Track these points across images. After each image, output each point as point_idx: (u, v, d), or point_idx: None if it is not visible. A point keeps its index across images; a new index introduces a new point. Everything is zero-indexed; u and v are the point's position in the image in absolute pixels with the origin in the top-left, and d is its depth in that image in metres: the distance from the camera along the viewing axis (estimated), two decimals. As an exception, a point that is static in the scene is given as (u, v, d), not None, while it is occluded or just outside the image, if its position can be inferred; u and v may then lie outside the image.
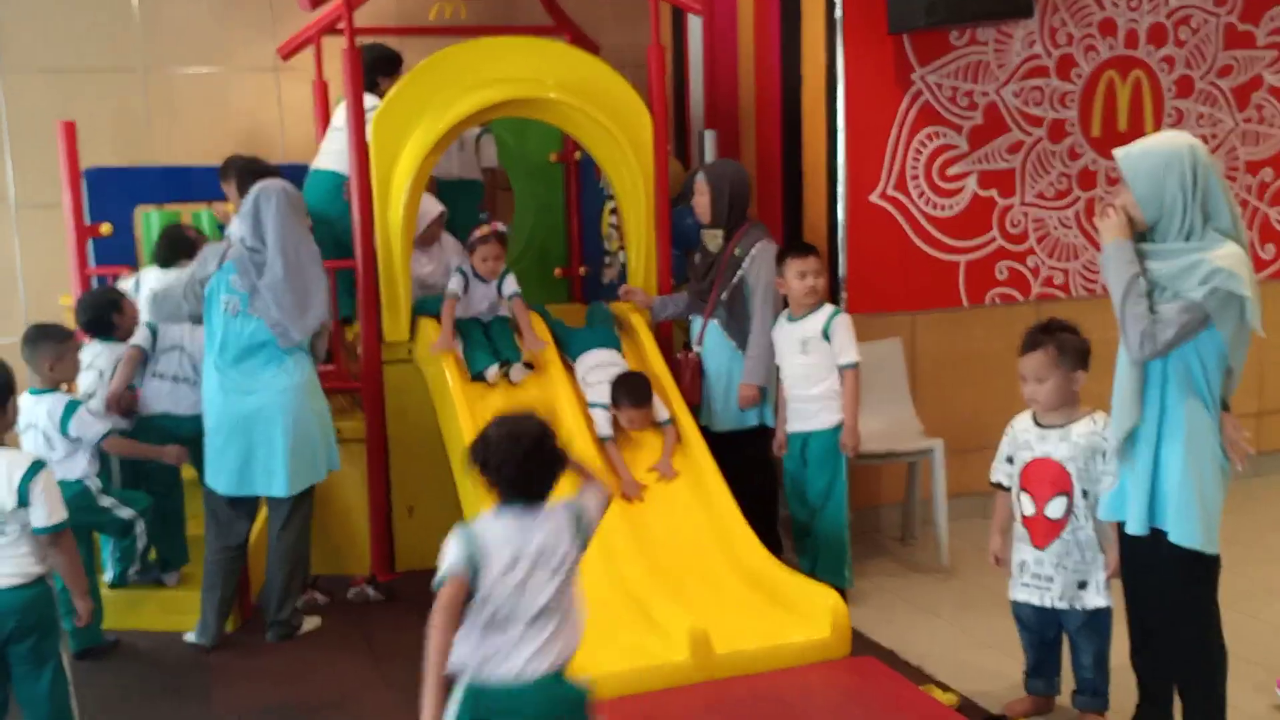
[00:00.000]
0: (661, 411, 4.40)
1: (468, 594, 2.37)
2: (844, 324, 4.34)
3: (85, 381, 4.36)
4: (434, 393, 4.53)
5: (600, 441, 4.30)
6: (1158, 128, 5.38)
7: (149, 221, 5.19)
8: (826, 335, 4.32)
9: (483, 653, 2.38)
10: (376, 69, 5.18)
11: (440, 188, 5.38)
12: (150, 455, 4.26)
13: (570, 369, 4.61)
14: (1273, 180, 5.68)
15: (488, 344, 4.58)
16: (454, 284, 4.61)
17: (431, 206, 5.01)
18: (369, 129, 4.59)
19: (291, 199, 4.15)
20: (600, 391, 4.40)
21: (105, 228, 4.96)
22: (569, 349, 4.68)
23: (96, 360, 4.39)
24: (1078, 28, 5.24)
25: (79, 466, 4.07)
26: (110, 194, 5.10)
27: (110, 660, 4.08)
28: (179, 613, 4.27)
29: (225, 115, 5.89)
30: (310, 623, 4.27)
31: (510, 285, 4.70)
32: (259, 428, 4.04)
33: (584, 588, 3.77)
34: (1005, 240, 5.25)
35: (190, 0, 5.84)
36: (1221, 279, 2.83)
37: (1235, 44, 5.52)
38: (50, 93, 5.64)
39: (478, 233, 4.68)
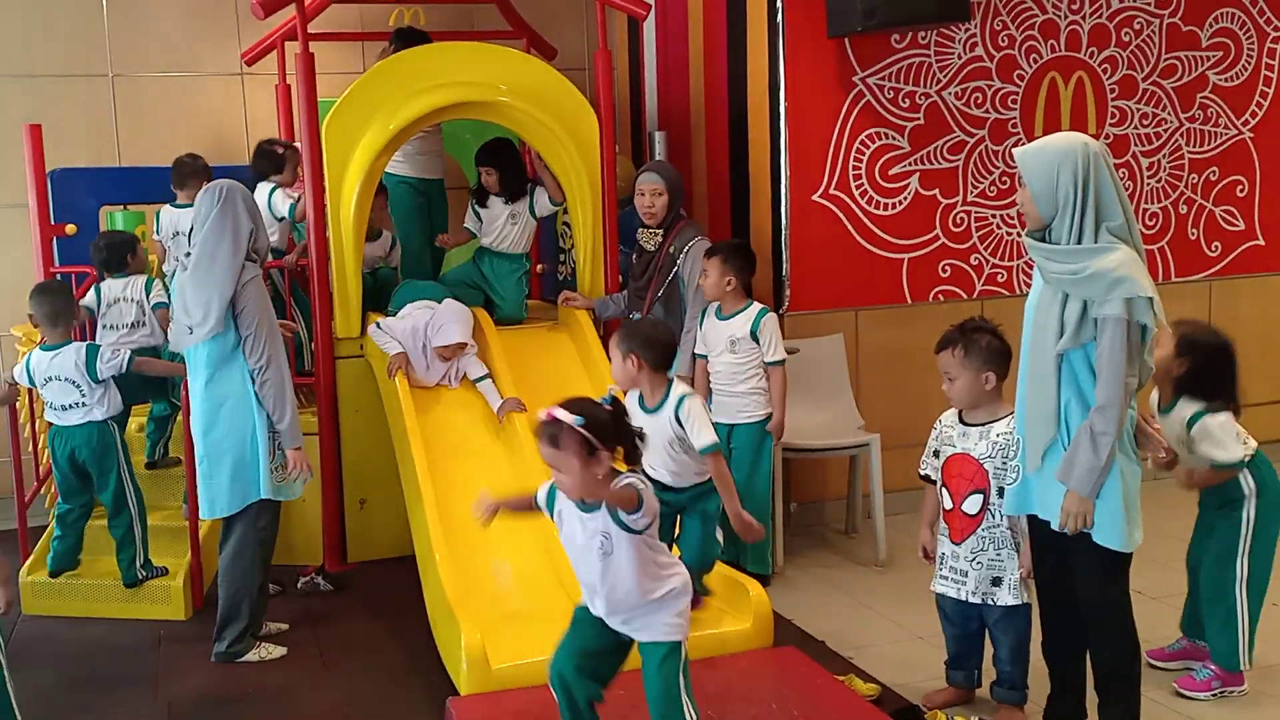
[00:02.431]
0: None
1: None
2: (772, 324, 4.45)
3: (131, 313, 4.70)
4: (383, 388, 4.65)
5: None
6: (1100, 128, 5.45)
7: (114, 221, 5.32)
8: (754, 335, 4.42)
9: None
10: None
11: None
12: (175, 372, 4.45)
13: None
14: (1218, 179, 5.73)
15: None
16: None
17: (453, 331, 4.52)
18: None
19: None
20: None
21: (70, 228, 5.11)
22: None
23: (129, 290, 4.71)
24: (1019, 30, 5.31)
25: (113, 402, 4.33)
26: (76, 194, 5.22)
27: (57, 646, 4.17)
28: (102, 600, 4.39)
29: (191, 119, 5.99)
30: (263, 652, 4.01)
31: None
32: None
33: (527, 579, 3.91)
34: (948, 239, 5.33)
35: (158, 7, 5.95)
36: (1127, 287, 2.87)
37: (1178, 45, 5.57)
38: (22, 97, 5.75)
39: None
